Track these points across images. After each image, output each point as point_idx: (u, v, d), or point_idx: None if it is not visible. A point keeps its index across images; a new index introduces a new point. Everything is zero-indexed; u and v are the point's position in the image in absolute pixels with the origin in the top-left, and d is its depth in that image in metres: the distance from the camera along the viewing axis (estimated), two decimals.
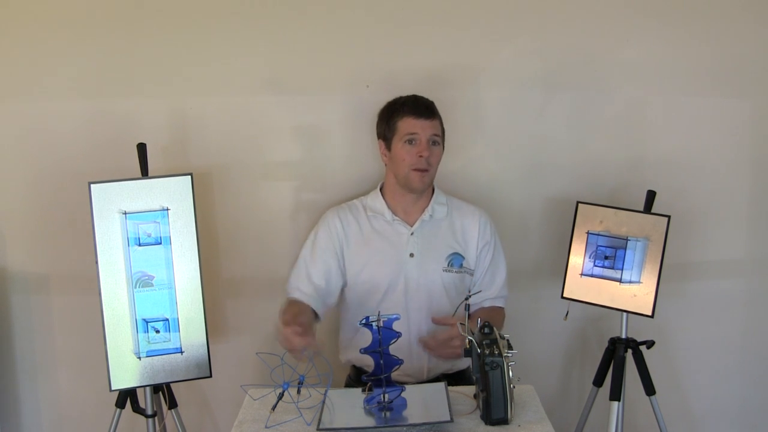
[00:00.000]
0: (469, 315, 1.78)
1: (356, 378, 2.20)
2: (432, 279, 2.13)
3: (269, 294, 2.43)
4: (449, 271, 2.14)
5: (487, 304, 2.19)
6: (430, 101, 2.15)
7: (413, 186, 2.11)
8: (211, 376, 2.09)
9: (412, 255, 2.14)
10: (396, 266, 2.13)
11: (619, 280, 2.14)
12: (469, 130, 2.41)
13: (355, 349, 2.17)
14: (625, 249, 2.13)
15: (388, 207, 2.18)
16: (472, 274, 2.18)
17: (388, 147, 2.15)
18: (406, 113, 2.11)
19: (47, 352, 2.48)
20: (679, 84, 2.40)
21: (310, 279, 2.13)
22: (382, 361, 1.72)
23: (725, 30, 2.37)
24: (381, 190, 2.22)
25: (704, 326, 2.52)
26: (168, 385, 2.15)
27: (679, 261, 2.39)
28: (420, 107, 2.11)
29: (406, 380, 2.03)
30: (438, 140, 2.13)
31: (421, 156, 2.07)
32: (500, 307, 2.22)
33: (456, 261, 2.15)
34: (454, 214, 2.20)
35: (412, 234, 2.15)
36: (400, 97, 2.16)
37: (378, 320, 1.72)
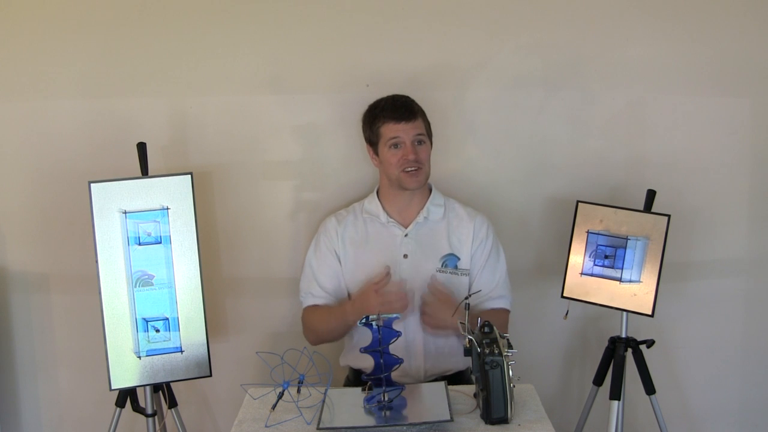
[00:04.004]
0: (468, 306, 1.79)
1: (355, 381, 2.20)
2: (426, 280, 2.13)
3: (269, 293, 2.43)
4: (443, 271, 2.14)
5: (488, 305, 2.15)
6: (410, 101, 2.15)
7: (408, 186, 2.12)
8: (211, 376, 2.09)
9: (405, 256, 2.14)
10: (390, 268, 2.13)
11: (619, 280, 2.13)
12: (470, 130, 2.41)
13: (353, 351, 2.17)
14: (625, 248, 2.12)
15: (384, 209, 2.18)
16: (467, 275, 2.16)
17: (376, 152, 2.17)
18: (386, 118, 2.11)
19: (47, 351, 2.48)
20: (679, 84, 2.40)
21: (319, 282, 2.17)
22: (382, 361, 1.72)
23: (725, 29, 2.37)
24: (378, 192, 2.23)
25: (704, 326, 2.52)
26: (168, 384, 2.15)
27: (679, 260, 2.39)
28: (399, 110, 2.11)
29: (404, 380, 2.03)
30: (423, 138, 2.13)
31: (407, 159, 2.08)
32: (503, 309, 2.18)
33: (450, 262, 2.15)
34: (451, 215, 2.20)
35: (406, 235, 2.15)
36: (380, 101, 2.17)
37: (378, 319, 1.72)
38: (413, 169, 2.09)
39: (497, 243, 2.20)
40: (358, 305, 2.03)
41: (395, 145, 2.11)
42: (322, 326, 2.16)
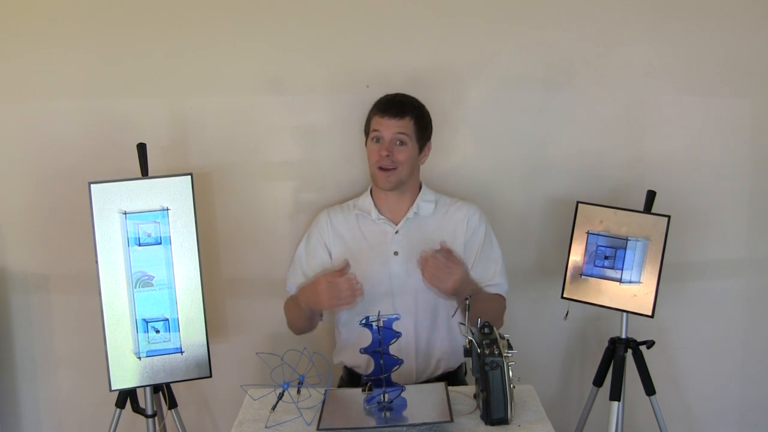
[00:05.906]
0: (469, 307, 1.78)
1: (349, 379, 2.20)
2: (417, 276, 2.09)
3: (269, 294, 2.43)
4: None
5: (486, 290, 2.12)
6: (408, 100, 2.13)
7: (378, 184, 2.11)
8: (211, 376, 2.09)
9: (396, 253, 2.14)
10: (380, 265, 2.13)
11: (619, 280, 2.14)
12: (470, 130, 2.41)
13: (346, 349, 2.17)
14: (625, 249, 2.13)
15: (375, 206, 2.18)
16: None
17: (366, 143, 2.18)
18: (376, 111, 2.11)
19: (47, 352, 2.48)
20: (679, 84, 2.39)
21: (306, 274, 2.15)
22: (382, 361, 1.72)
23: (725, 29, 2.37)
24: (371, 190, 2.23)
25: (704, 326, 2.52)
26: (168, 385, 2.15)
27: (679, 261, 2.39)
28: (389, 106, 2.09)
29: (395, 381, 2.03)
30: (405, 140, 2.08)
31: (381, 155, 2.07)
32: (500, 295, 2.15)
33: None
34: (442, 210, 2.18)
35: (396, 233, 2.15)
36: (386, 95, 2.16)
37: (378, 320, 1.72)
38: (386, 167, 2.07)
39: (490, 231, 2.18)
40: (309, 293, 2.00)
41: (376, 139, 2.10)
42: (290, 313, 2.16)
